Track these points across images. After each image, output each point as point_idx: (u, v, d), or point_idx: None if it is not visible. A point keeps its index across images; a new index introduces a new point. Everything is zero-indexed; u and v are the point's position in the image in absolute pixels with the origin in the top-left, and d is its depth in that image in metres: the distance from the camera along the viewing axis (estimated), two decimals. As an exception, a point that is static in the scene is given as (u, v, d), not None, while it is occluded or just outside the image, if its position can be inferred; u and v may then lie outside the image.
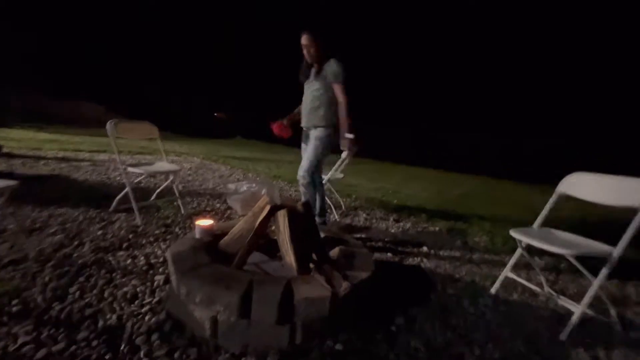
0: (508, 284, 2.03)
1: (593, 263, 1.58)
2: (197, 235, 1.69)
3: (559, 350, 1.42)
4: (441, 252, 2.58)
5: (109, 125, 2.46)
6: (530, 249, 1.83)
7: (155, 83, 18.14)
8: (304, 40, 2.22)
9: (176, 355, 1.15)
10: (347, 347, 1.27)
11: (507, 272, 1.93)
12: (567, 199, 1.88)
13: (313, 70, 2.36)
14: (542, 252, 2.64)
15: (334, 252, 1.74)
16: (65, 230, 2.18)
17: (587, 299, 1.51)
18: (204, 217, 1.88)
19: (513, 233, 1.77)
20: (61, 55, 16.56)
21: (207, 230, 1.69)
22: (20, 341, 1.14)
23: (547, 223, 1.91)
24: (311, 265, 1.53)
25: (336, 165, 3.29)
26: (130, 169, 2.55)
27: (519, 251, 1.89)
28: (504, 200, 5.73)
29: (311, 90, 2.35)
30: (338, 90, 2.25)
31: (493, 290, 1.94)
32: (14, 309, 1.32)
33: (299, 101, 2.52)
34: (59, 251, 1.88)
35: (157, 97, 17.95)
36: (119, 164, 2.62)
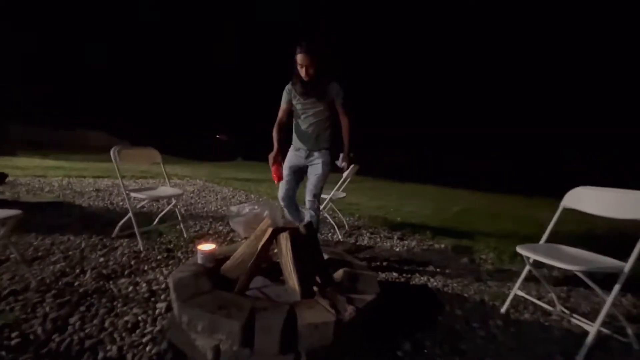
0: (518, 302, 1.97)
1: (603, 277, 1.55)
2: (199, 261, 1.67)
3: (575, 374, 1.36)
4: (448, 271, 2.53)
5: (112, 153, 2.50)
6: (538, 263, 1.79)
7: (157, 105, 18.54)
8: (303, 60, 2.03)
9: (177, 388, 1.12)
10: (354, 375, 1.22)
11: (516, 290, 1.88)
12: (569, 212, 1.87)
13: (307, 90, 2.18)
14: (552, 268, 2.60)
15: (338, 275, 1.71)
16: (67, 258, 2.17)
17: (601, 317, 1.46)
18: (206, 241, 1.86)
19: (520, 250, 1.74)
20: (63, 82, 17.07)
21: (209, 256, 1.67)
22: (17, 377, 1.11)
23: (551, 237, 1.89)
24: (315, 289, 1.51)
25: (338, 185, 3.29)
26: (133, 194, 2.56)
27: (527, 268, 1.85)
28: (504, 215, 5.67)
29: (314, 111, 2.25)
30: (343, 111, 2.25)
31: (503, 309, 1.88)
32: (13, 342, 1.29)
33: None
34: (60, 280, 1.86)
35: (159, 119, 18.30)
36: (122, 190, 2.64)
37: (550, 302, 1.89)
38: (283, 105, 2.28)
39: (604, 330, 1.56)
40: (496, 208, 6.62)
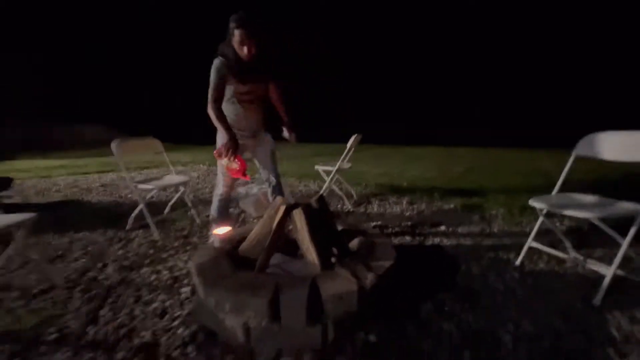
0: (533, 253, 2.00)
1: (617, 222, 1.55)
2: (216, 245, 1.69)
3: (595, 317, 1.40)
4: (460, 230, 2.56)
5: (113, 146, 2.47)
6: (550, 214, 1.79)
7: (150, 92, 18.12)
8: (245, 36, 1.76)
9: (214, 364, 1.17)
10: (380, 339, 1.27)
11: (530, 242, 1.90)
12: (578, 161, 1.84)
13: (246, 69, 1.90)
14: (562, 218, 2.61)
15: (354, 244, 1.73)
16: (87, 254, 2.22)
17: (618, 259, 1.48)
18: (221, 225, 1.88)
19: (533, 202, 1.74)
20: (53, 78, 16.62)
21: (225, 239, 1.69)
22: (62, 368, 1.17)
23: (561, 187, 1.88)
24: (333, 260, 1.53)
25: (343, 156, 3.26)
26: (140, 186, 2.56)
27: (540, 219, 1.86)
28: (510, 170, 5.64)
29: (258, 92, 2.05)
30: (275, 85, 2.16)
31: (518, 262, 1.91)
32: (51, 337, 1.35)
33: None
34: (84, 275, 1.92)
35: (155, 107, 17.95)
36: (128, 183, 2.64)
37: (564, 250, 1.91)
38: (219, 82, 1.86)
39: (620, 272, 1.58)
40: (500, 164, 6.57)
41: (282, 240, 1.60)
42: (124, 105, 17.91)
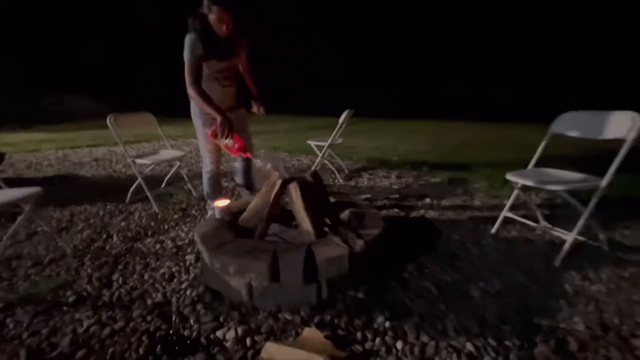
0: (507, 223, 2.19)
1: (588, 196, 1.71)
2: (217, 215, 1.81)
3: (553, 276, 1.61)
4: (443, 202, 2.74)
5: (109, 121, 2.49)
6: (527, 189, 1.96)
7: (133, 62, 17.37)
8: (224, 13, 1.75)
9: (221, 319, 1.33)
10: (368, 296, 1.45)
11: (505, 213, 2.08)
12: (561, 136, 1.98)
13: (223, 45, 1.91)
14: (538, 191, 2.81)
15: (345, 215, 1.87)
16: (91, 226, 2.32)
17: (578, 226, 1.67)
18: (220, 198, 1.99)
19: (509, 176, 1.89)
20: (33, 45, 15.73)
21: (226, 210, 1.81)
22: (85, 324, 1.31)
23: (543, 162, 2.03)
24: (326, 229, 1.68)
25: (335, 131, 3.34)
26: (138, 161, 2.62)
27: (515, 192, 2.03)
28: (503, 145, 5.82)
29: (234, 68, 2.09)
30: (245, 58, 2.19)
31: (493, 230, 2.10)
32: (70, 299, 1.49)
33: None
34: (91, 245, 2.03)
35: (140, 79, 17.29)
36: (121, 157, 2.69)
37: (535, 220, 2.10)
38: (196, 61, 1.83)
39: (580, 238, 1.78)
40: (495, 138, 6.73)
41: (278, 211, 1.73)
42: (106, 76, 17.19)
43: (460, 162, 4.26)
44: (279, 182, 1.60)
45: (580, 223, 1.66)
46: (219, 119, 1.77)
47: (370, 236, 1.55)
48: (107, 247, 2.00)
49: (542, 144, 2.01)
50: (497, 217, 2.13)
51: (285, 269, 1.34)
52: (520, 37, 13.49)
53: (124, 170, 4.05)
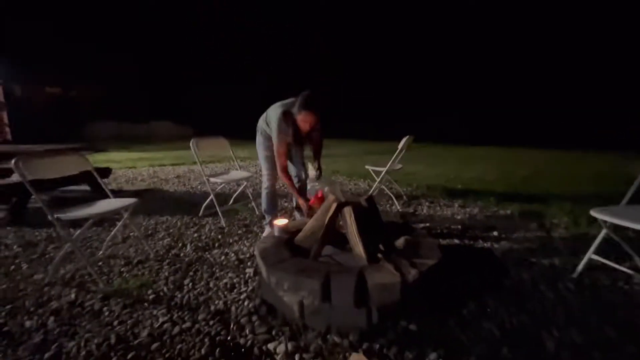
0: (594, 267, 1.90)
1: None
2: (276, 233, 1.94)
3: (656, 335, 1.34)
4: (514, 236, 2.49)
5: (192, 145, 2.88)
6: (619, 228, 1.69)
7: (212, 91, 19.93)
8: (309, 118, 2.03)
9: (274, 332, 1.40)
10: (421, 328, 1.38)
11: (590, 255, 1.82)
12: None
13: (302, 140, 2.27)
14: (636, 232, 2.38)
15: (400, 242, 1.84)
16: (170, 235, 2.66)
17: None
18: (280, 217, 2.13)
19: (594, 213, 1.67)
20: (130, 81, 19.22)
21: (283, 229, 1.93)
22: (160, 320, 1.50)
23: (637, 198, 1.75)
24: (379, 255, 1.67)
25: (393, 157, 3.33)
26: (212, 179, 2.96)
27: (603, 232, 1.77)
28: (583, 176, 5.10)
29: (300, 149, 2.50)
30: (318, 137, 2.42)
31: (575, 274, 1.84)
32: (150, 297, 1.71)
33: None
34: (170, 251, 2.32)
35: (215, 105, 19.64)
36: (201, 176, 3.05)
37: (632, 267, 1.78)
38: (284, 149, 2.21)
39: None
40: (573, 168, 5.97)
41: (333, 234, 1.78)
42: (187, 103, 19.94)
43: (533, 193, 3.84)
44: (334, 205, 1.67)
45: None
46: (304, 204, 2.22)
47: (424, 266, 1.49)
48: (181, 255, 2.26)
49: (639, 177, 1.74)
50: (581, 259, 1.87)
51: (337, 291, 1.37)
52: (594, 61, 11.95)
53: (199, 187, 4.56)
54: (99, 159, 8.26)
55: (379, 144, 10.65)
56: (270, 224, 2.60)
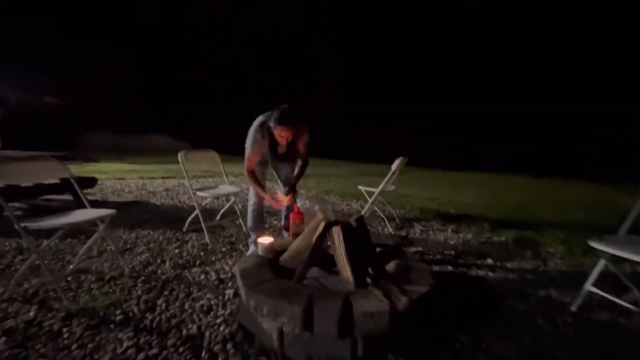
0: (592, 300, 1.81)
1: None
2: (260, 252, 1.83)
3: (663, 378, 1.24)
4: (509, 265, 2.40)
5: (180, 156, 2.80)
6: (618, 258, 1.62)
7: (208, 106, 20.12)
8: (284, 133, 2.01)
9: (249, 363, 1.27)
10: (410, 363, 1.26)
11: (588, 287, 1.73)
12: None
13: (281, 155, 2.27)
14: (633, 263, 2.32)
15: (390, 267, 1.74)
16: (149, 250, 2.51)
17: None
18: (264, 235, 2.02)
19: (593, 244, 1.60)
20: (130, 94, 19.33)
21: (267, 248, 1.82)
22: (125, 345, 1.35)
23: (635, 228, 1.70)
24: (368, 280, 1.56)
25: (386, 178, 3.28)
26: (199, 193, 2.85)
27: (601, 263, 1.70)
28: (575, 204, 5.11)
29: (288, 163, 2.44)
30: (304, 148, 2.33)
31: (574, 307, 1.75)
32: (118, 317, 1.57)
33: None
34: (146, 268, 2.18)
35: (212, 120, 19.75)
36: (189, 190, 2.95)
37: (633, 302, 1.70)
38: (252, 157, 2.19)
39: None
40: (565, 196, 5.99)
41: (320, 255, 1.68)
42: (185, 118, 20.01)
43: (527, 220, 3.79)
44: (322, 225, 1.58)
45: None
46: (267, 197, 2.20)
47: (416, 294, 1.39)
48: (158, 272, 2.12)
49: (637, 206, 1.69)
50: (578, 291, 1.78)
51: (320, 318, 1.25)
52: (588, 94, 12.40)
53: (187, 201, 4.43)
54: (87, 170, 8.09)
55: (372, 165, 10.67)
56: (255, 242, 2.50)
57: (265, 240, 1.83)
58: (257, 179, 2.24)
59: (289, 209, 2.26)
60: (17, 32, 15.51)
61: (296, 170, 2.37)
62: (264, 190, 2.23)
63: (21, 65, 14.93)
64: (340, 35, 17.69)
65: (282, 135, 2.03)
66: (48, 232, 2.18)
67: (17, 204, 3.61)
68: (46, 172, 2.00)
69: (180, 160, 2.81)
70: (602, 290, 1.71)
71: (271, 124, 2.04)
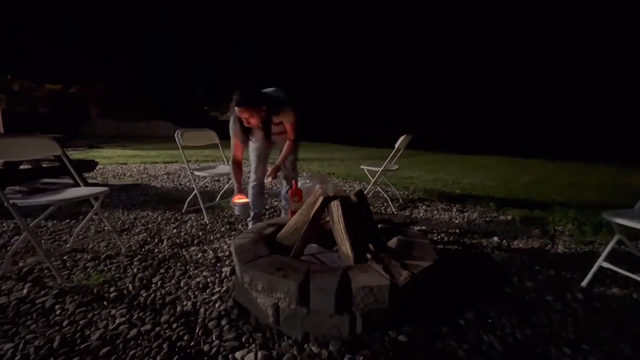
0: (604, 276, 1.73)
1: None
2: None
3: (680, 354, 1.17)
4: (516, 243, 2.32)
5: (176, 135, 2.72)
6: (632, 234, 1.53)
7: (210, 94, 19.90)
8: (242, 114, 1.94)
9: (243, 339, 1.22)
10: (412, 340, 1.21)
11: (601, 262, 1.65)
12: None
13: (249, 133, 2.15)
14: (648, 240, 2.23)
15: (392, 243, 1.67)
16: (147, 230, 2.48)
17: None
18: (239, 196, 2.00)
19: (607, 215, 1.51)
20: (140, 83, 19.14)
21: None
22: (117, 321, 1.32)
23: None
24: (368, 255, 1.49)
25: (390, 156, 3.18)
26: (196, 173, 2.79)
27: (615, 237, 1.61)
28: (587, 185, 4.96)
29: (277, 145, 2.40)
30: (291, 130, 2.25)
31: (585, 283, 1.67)
32: (112, 295, 1.53)
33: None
34: (143, 247, 2.14)
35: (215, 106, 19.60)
36: (187, 170, 2.88)
37: (646, 276, 1.62)
38: (234, 144, 2.18)
39: None
40: (577, 178, 5.82)
41: (318, 230, 1.61)
42: (189, 105, 19.86)
43: (535, 200, 3.68)
44: (320, 199, 1.50)
45: None
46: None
47: (418, 268, 1.32)
48: (155, 251, 2.08)
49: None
50: (589, 267, 1.70)
51: (316, 293, 1.19)
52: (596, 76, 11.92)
53: (188, 184, 4.38)
54: (90, 155, 8.10)
55: (377, 150, 10.52)
56: (254, 220, 2.45)
57: (240, 199, 1.79)
58: (239, 171, 2.21)
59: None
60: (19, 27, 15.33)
61: (286, 150, 2.29)
62: (241, 187, 2.16)
63: (23, 55, 14.83)
64: (408, 70, 17.12)
65: (243, 116, 1.96)
66: (51, 217, 2.15)
67: (17, 187, 3.59)
68: (39, 148, 1.94)
69: (176, 138, 2.73)
70: (617, 264, 1.63)
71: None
